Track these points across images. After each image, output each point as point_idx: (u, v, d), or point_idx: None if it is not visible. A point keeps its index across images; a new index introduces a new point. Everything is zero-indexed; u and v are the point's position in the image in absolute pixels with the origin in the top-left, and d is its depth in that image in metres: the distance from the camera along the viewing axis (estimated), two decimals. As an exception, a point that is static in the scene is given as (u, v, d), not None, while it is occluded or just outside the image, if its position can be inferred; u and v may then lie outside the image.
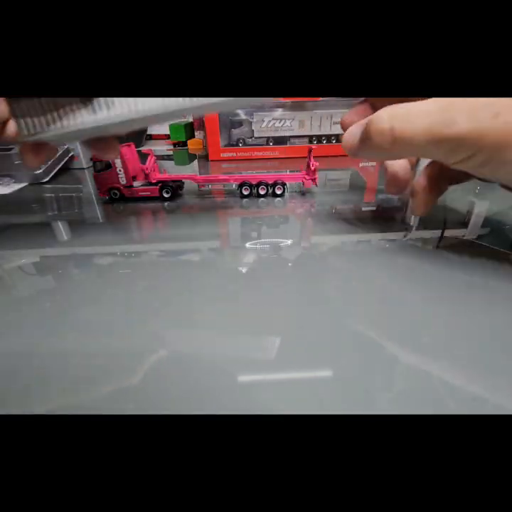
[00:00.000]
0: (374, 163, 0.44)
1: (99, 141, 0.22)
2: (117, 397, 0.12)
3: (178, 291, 0.19)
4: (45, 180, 0.39)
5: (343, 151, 0.20)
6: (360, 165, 0.44)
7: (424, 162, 0.22)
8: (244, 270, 0.20)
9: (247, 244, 0.24)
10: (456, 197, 0.29)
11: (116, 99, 0.18)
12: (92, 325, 0.16)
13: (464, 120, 0.15)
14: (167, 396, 0.12)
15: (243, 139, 0.51)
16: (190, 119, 0.68)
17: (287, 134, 0.51)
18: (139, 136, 0.59)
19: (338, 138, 0.50)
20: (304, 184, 0.34)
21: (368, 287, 0.19)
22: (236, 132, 0.51)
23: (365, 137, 0.18)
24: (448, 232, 0.24)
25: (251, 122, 0.50)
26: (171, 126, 0.60)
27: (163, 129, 0.65)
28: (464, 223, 0.26)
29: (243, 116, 0.50)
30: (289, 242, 0.24)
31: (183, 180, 0.36)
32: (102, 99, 0.18)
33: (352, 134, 0.19)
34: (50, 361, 0.14)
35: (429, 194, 0.22)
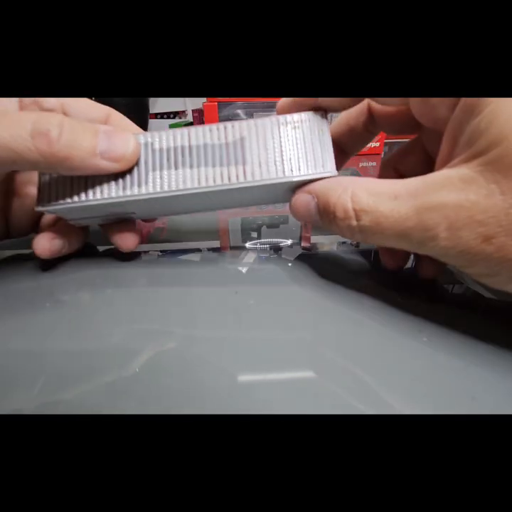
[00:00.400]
0: (374, 163, 0.44)
1: (119, 226, 0.20)
2: (116, 395, 0.12)
3: (177, 291, 0.19)
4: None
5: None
6: (360, 165, 0.44)
7: None
8: (244, 270, 0.20)
9: (247, 244, 0.24)
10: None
11: (150, 177, 0.17)
12: (93, 324, 0.16)
13: (445, 236, 0.12)
14: (166, 395, 0.12)
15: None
16: (190, 119, 0.68)
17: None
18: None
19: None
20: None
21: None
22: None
23: (326, 220, 0.16)
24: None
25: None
26: (171, 126, 0.60)
27: (163, 128, 0.65)
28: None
29: (243, 117, 0.50)
30: (289, 242, 0.24)
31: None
32: (135, 176, 0.17)
33: (304, 203, 0.16)
34: (57, 358, 0.14)
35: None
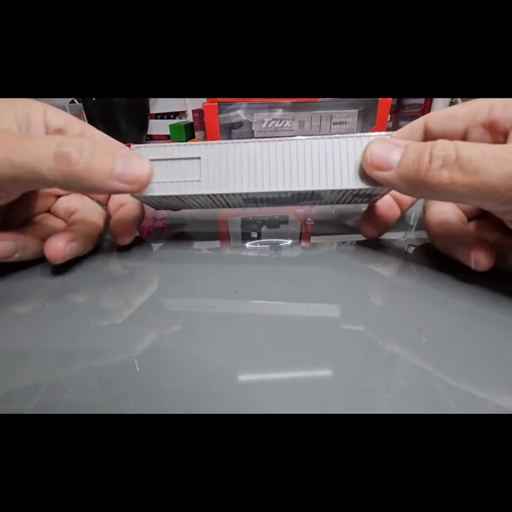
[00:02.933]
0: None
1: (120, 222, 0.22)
2: (115, 394, 0.12)
3: (176, 291, 0.19)
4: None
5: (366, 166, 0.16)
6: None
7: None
8: (243, 270, 0.20)
9: (247, 244, 0.24)
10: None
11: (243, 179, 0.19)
12: (91, 324, 0.16)
13: None
14: (165, 394, 0.12)
15: (243, 140, 0.51)
16: (190, 120, 0.68)
17: (287, 134, 0.51)
18: (138, 136, 0.59)
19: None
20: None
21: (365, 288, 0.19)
22: (236, 133, 0.51)
23: (410, 163, 0.14)
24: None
25: (251, 123, 0.50)
26: (171, 126, 0.60)
27: (163, 129, 0.65)
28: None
29: (243, 117, 0.50)
30: (289, 242, 0.24)
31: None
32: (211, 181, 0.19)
33: (384, 149, 0.15)
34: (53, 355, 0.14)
35: (490, 247, 0.17)
